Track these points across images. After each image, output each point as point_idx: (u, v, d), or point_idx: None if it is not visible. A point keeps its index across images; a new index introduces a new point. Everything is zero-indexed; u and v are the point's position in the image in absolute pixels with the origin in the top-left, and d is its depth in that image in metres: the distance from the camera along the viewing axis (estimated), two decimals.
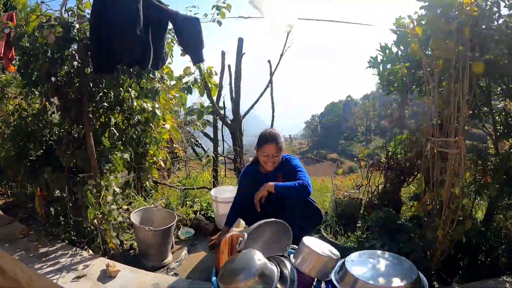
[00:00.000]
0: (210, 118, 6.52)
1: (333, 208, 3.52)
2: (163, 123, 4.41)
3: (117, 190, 2.77)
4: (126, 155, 3.05)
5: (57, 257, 2.79)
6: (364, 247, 2.62)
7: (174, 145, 4.98)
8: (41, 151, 3.34)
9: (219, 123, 5.20)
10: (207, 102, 4.98)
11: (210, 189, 5.18)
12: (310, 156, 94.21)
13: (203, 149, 11.80)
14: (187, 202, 4.20)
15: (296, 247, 2.24)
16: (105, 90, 3.02)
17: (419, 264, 2.15)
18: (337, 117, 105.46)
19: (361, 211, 3.46)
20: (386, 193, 3.38)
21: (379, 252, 2.21)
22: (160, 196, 4.85)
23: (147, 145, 4.19)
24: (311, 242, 2.13)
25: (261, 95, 4.90)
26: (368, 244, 2.65)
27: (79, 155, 2.86)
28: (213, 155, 5.21)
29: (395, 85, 3.27)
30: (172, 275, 2.95)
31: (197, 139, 11.68)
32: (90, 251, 2.88)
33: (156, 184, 5.07)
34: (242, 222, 2.67)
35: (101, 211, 2.69)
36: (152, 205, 3.33)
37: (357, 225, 3.34)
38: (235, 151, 5.00)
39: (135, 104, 3.21)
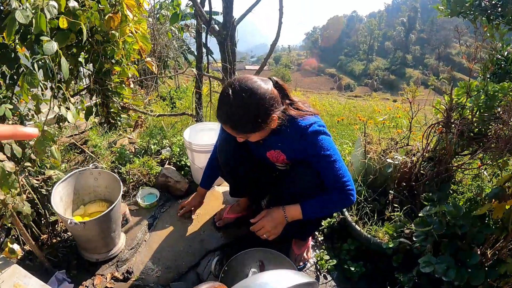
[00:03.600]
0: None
1: (363, 174, 2.34)
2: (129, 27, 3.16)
3: (8, 166, 1.51)
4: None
5: None
6: (412, 254, 1.81)
7: (145, 59, 3.65)
8: None
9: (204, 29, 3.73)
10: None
11: (192, 115, 4.02)
12: (308, 69, 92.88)
13: (195, 57, 10.75)
14: (152, 147, 2.96)
15: None
16: None
17: None
18: (339, 32, 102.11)
19: (397, 181, 2.26)
20: (437, 161, 2.16)
21: None
22: (130, 129, 3.78)
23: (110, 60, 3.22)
24: None
25: None
26: (426, 267, 1.60)
27: None
28: (195, 74, 3.88)
29: (466, 4, 2.16)
30: (123, 275, 1.95)
31: (189, 46, 10.47)
32: (6, 251, 1.75)
33: (125, 109, 3.92)
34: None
35: None
36: (91, 165, 2.09)
37: (388, 198, 2.22)
38: (224, 69, 3.64)
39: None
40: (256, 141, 1.69)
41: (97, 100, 3.65)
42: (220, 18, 3.45)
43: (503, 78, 2.15)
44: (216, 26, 3.31)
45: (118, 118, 3.83)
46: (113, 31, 3.08)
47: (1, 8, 1.55)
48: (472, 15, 2.21)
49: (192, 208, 2.34)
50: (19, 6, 1.34)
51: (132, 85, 3.91)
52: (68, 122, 2.05)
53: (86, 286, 1.89)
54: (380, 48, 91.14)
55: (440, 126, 2.11)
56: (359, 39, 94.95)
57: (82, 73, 3.42)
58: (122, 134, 3.55)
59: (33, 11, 1.26)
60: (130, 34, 3.36)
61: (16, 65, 1.61)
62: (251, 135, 1.57)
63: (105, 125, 3.67)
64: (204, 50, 3.76)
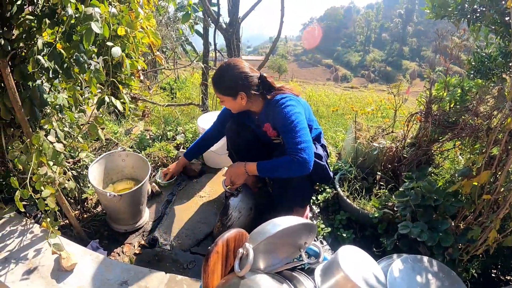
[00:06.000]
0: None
1: (353, 156, 2.69)
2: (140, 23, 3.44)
3: (59, 147, 1.84)
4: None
5: (3, 238, 2.01)
6: (394, 223, 2.15)
7: (155, 53, 3.95)
8: None
9: (212, 26, 4.06)
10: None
11: (198, 105, 4.35)
12: (305, 59, 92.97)
13: (194, 48, 10.95)
14: (168, 133, 3.31)
15: (318, 245, 1.45)
16: None
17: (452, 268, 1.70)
18: (336, 23, 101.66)
19: (383, 163, 2.62)
20: (417, 146, 2.51)
21: (425, 260, 1.64)
22: (138, 118, 4.09)
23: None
24: (349, 262, 1.29)
25: None
26: (403, 229, 1.97)
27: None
28: (202, 67, 4.20)
29: (449, 9, 2.34)
30: (149, 241, 2.29)
31: (188, 37, 10.64)
32: (44, 224, 2.04)
33: (135, 99, 4.21)
34: None
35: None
36: (120, 148, 2.45)
37: (376, 178, 2.57)
38: None
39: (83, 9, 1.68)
40: (254, 118, 2.19)
41: (108, 91, 3.92)
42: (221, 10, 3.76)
43: (486, 75, 2.35)
44: (223, 24, 3.64)
45: (128, 108, 4.12)
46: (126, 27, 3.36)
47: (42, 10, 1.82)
48: (455, 18, 2.48)
49: (171, 172, 2.70)
50: (74, 12, 1.63)
51: (142, 77, 4.22)
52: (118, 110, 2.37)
53: (117, 253, 2.21)
54: (377, 39, 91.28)
55: (419, 115, 2.46)
56: (356, 30, 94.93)
57: (93, 65, 3.70)
58: (132, 123, 3.87)
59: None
60: (141, 30, 3.66)
61: (61, 60, 1.88)
62: (224, 99, 2.05)
63: (113, 115, 3.96)
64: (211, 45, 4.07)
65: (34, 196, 1.70)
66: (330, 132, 3.75)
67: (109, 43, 1.78)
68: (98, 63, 3.02)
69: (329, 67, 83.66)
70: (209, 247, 1.24)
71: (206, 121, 2.90)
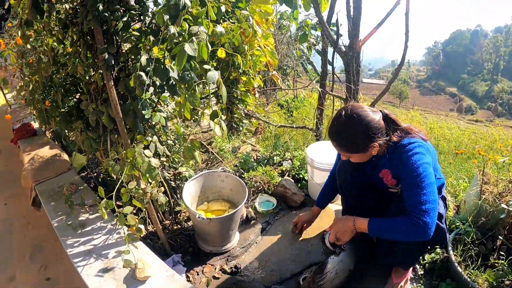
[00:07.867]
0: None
1: (475, 214, 2.12)
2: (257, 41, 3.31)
3: (154, 162, 1.73)
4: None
5: (93, 232, 2.03)
6: None
7: (271, 72, 3.80)
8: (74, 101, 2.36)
9: (330, 49, 3.75)
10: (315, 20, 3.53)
11: (312, 129, 4.08)
12: (427, 86, 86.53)
13: (314, 67, 10.82)
14: (275, 158, 3.08)
15: None
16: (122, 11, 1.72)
17: None
18: (462, 47, 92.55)
19: (508, 227, 1.98)
20: None
21: None
22: (250, 134, 3.98)
23: (238, 70, 3.33)
24: None
25: (391, 10, 3.17)
26: None
27: (105, 111, 1.88)
28: (319, 91, 3.91)
29: None
30: (231, 269, 2.10)
31: (309, 56, 10.53)
32: (133, 228, 1.99)
33: (249, 116, 4.12)
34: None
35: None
36: (220, 169, 2.31)
37: (496, 244, 1.99)
38: (347, 89, 3.61)
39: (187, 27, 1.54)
40: (370, 162, 1.77)
41: (223, 105, 3.88)
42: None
43: None
44: (342, 47, 3.31)
45: (241, 123, 4.04)
46: (243, 45, 3.26)
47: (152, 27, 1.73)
48: None
49: (304, 225, 2.37)
50: (177, 32, 1.50)
51: (257, 94, 4.10)
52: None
53: (196, 272, 2.08)
54: (506, 67, 79.38)
55: None
56: (484, 57, 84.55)
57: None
58: (243, 138, 3.74)
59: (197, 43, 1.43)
60: (258, 48, 3.53)
61: (166, 77, 1.77)
62: (352, 155, 1.68)
63: (228, 128, 3.91)
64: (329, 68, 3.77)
65: (117, 210, 1.61)
66: (451, 177, 3.12)
67: (206, 66, 1.60)
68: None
69: (453, 96, 76.33)
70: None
71: (316, 151, 2.59)
